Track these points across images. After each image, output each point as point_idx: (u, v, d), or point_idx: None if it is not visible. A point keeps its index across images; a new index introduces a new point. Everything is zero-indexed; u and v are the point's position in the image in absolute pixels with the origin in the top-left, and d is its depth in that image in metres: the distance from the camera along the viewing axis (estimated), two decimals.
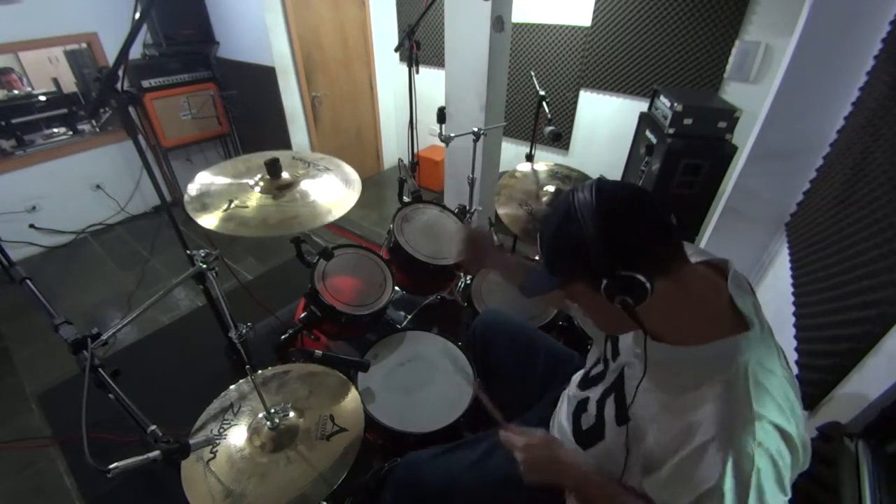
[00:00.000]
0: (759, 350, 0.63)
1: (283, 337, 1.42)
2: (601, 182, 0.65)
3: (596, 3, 2.66)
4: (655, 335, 0.70)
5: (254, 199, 1.32)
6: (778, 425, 0.59)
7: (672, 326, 0.68)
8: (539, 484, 0.80)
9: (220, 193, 1.32)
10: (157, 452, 0.77)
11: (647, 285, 0.60)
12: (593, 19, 2.71)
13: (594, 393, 0.88)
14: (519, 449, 0.82)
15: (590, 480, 0.77)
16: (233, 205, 1.28)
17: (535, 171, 1.97)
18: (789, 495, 0.60)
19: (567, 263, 0.68)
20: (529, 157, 2.11)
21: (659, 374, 0.71)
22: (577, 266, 0.65)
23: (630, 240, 0.62)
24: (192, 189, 1.33)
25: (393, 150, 4.40)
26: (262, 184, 1.36)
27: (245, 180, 1.38)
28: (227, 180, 1.38)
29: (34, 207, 3.10)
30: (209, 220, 1.22)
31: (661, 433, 0.67)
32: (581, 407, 0.90)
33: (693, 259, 0.73)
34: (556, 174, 1.96)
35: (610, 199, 0.63)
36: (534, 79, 2.13)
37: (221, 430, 1.08)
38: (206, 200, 1.28)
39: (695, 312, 0.67)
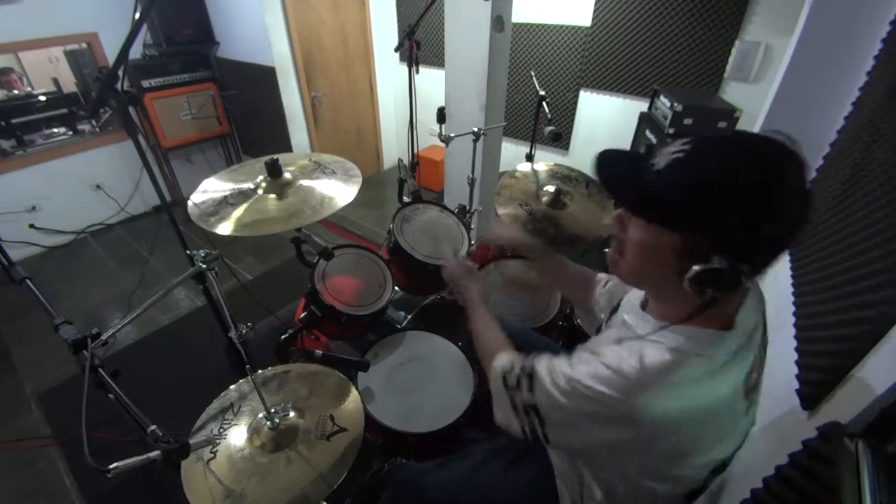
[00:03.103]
0: (720, 354, 0.63)
1: (283, 337, 1.42)
2: (797, 153, 0.54)
3: (596, 3, 2.66)
4: (662, 313, 0.70)
5: (261, 199, 1.33)
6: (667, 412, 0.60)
7: (684, 314, 0.66)
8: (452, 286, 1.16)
9: (236, 198, 1.32)
10: (157, 452, 0.77)
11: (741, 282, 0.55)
12: (593, 19, 2.71)
13: None
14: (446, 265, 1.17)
15: (474, 299, 1.06)
16: (244, 208, 1.28)
17: (535, 171, 1.97)
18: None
19: (707, 217, 0.56)
20: (529, 157, 2.11)
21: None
22: (717, 230, 0.55)
23: (783, 225, 0.55)
24: (209, 196, 1.31)
25: (393, 150, 4.40)
26: (264, 185, 1.36)
27: (248, 184, 1.38)
28: (243, 185, 1.38)
29: (34, 207, 3.11)
30: (225, 227, 1.21)
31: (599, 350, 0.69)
32: None
33: None
34: (556, 174, 1.96)
35: (796, 178, 0.54)
36: (534, 79, 2.13)
37: (221, 430, 1.08)
38: (224, 207, 1.28)
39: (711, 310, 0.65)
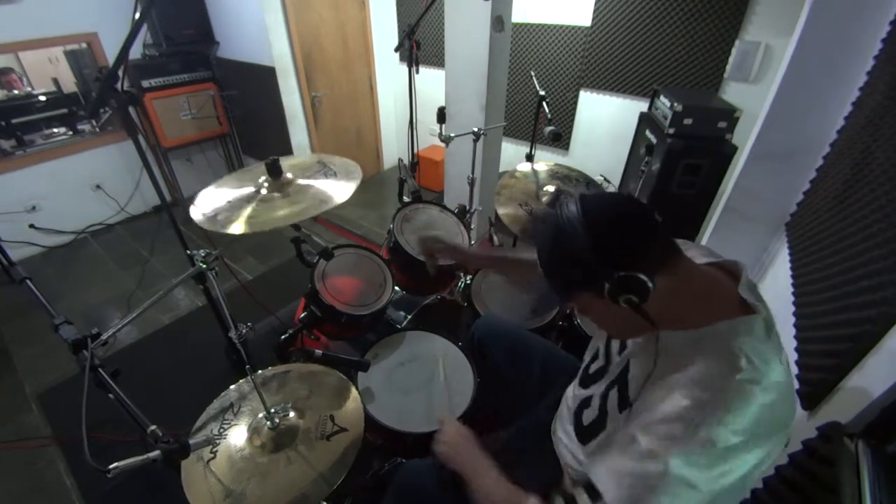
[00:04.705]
0: (759, 342, 0.64)
1: (283, 337, 1.42)
2: (583, 195, 0.69)
3: (596, 3, 2.66)
4: (661, 327, 0.71)
5: (265, 199, 1.35)
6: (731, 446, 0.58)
7: (677, 317, 0.69)
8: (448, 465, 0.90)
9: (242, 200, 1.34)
10: (157, 452, 0.77)
11: (648, 282, 0.62)
12: (593, 19, 2.71)
13: (597, 389, 0.88)
14: (441, 435, 0.95)
15: (480, 478, 0.83)
16: (251, 208, 1.30)
17: (535, 171, 1.97)
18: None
19: (568, 277, 0.69)
20: (529, 157, 2.11)
21: (663, 359, 0.71)
22: (578, 277, 0.67)
23: (621, 242, 0.64)
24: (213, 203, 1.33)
25: (393, 150, 4.40)
26: (266, 185, 1.38)
27: (250, 187, 1.39)
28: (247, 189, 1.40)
29: (34, 207, 3.11)
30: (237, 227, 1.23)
31: (647, 401, 0.69)
32: (584, 404, 0.91)
33: (701, 260, 0.75)
34: (556, 174, 1.96)
35: (595, 207, 0.66)
36: (534, 79, 2.13)
37: (221, 430, 1.08)
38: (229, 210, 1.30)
39: (697, 302, 0.68)
